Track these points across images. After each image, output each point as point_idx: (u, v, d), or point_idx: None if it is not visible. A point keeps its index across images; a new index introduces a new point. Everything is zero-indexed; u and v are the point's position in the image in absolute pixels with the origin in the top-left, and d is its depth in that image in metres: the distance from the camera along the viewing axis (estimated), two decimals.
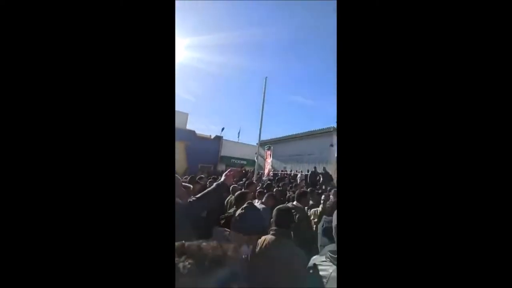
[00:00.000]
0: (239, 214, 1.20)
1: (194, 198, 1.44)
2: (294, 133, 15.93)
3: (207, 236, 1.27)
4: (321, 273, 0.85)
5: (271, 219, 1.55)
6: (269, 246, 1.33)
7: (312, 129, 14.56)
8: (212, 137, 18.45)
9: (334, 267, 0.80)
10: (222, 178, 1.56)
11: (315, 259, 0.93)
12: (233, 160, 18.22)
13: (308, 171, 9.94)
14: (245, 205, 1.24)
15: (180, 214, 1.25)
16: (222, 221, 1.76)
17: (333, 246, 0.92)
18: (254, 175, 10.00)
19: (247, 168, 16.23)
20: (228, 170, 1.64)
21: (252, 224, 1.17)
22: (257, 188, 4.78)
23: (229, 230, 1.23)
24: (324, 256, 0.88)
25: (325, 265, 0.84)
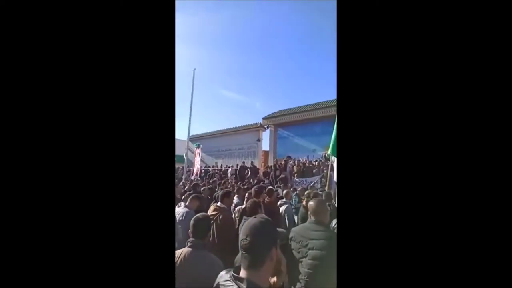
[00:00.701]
0: None
1: None
2: (224, 128, 16.04)
3: None
4: None
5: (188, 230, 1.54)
6: (186, 258, 1.33)
7: (241, 125, 15.03)
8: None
9: (236, 287, 0.73)
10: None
11: (221, 276, 0.85)
12: None
13: (237, 166, 10.23)
14: None
15: None
16: None
17: (239, 255, 0.91)
18: (184, 172, 9.60)
19: (177, 165, 15.38)
20: None
21: None
22: (184, 188, 4.63)
23: None
24: (229, 275, 0.79)
25: (228, 285, 0.77)
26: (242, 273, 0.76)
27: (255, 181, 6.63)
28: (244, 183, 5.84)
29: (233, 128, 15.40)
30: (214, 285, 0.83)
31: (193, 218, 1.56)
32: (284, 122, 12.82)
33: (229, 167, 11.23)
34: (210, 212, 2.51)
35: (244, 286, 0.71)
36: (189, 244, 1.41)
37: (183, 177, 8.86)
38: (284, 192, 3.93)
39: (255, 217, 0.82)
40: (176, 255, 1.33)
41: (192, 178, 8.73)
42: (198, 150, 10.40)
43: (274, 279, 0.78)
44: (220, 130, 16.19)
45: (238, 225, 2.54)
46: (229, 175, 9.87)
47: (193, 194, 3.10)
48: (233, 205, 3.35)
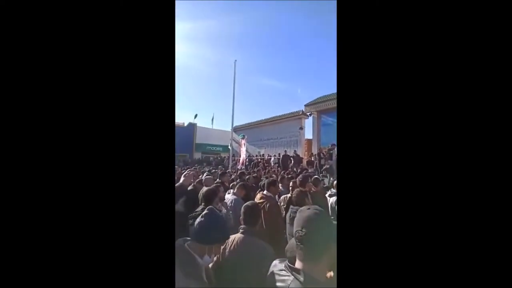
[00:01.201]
0: (198, 222, 1.11)
1: None
2: (266, 118, 16.09)
3: None
4: (278, 284, 0.79)
5: (240, 217, 1.62)
6: (239, 244, 1.41)
7: (283, 113, 14.84)
8: (185, 124, 17.89)
9: (292, 278, 0.74)
10: (181, 179, 1.48)
11: (275, 265, 0.87)
12: (208, 147, 17.98)
13: (279, 155, 10.24)
14: (204, 212, 1.15)
15: None
16: (190, 222, 1.78)
17: (292, 245, 0.94)
18: (230, 162, 10.04)
19: (223, 155, 16.17)
20: (187, 170, 1.63)
21: (213, 234, 1.09)
22: (231, 177, 4.86)
23: (189, 238, 1.14)
24: (283, 264, 0.81)
25: (283, 275, 0.78)
26: (298, 264, 0.76)
27: (299, 170, 6.56)
28: (287, 172, 5.83)
29: (275, 117, 15.34)
30: (269, 273, 0.86)
31: (244, 206, 1.64)
32: (327, 108, 12.18)
33: (271, 156, 11.34)
34: (257, 200, 2.59)
35: (302, 278, 0.72)
36: (241, 230, 1.48)
37: (229, 166, 9.29)
38: (335, 182, 3.79)
39: (308, 208, 0.81)
40: (229, 240, 1.41)
41: (239, 167, 9.09)
42: (243, 141, 10.72)
43: (331, 273, 0.78)
44: (262, 120, 16.32)
45: (285, 214, 2.56)
46: (272, 164, 9.97)
47: (240, 183, 3.24)
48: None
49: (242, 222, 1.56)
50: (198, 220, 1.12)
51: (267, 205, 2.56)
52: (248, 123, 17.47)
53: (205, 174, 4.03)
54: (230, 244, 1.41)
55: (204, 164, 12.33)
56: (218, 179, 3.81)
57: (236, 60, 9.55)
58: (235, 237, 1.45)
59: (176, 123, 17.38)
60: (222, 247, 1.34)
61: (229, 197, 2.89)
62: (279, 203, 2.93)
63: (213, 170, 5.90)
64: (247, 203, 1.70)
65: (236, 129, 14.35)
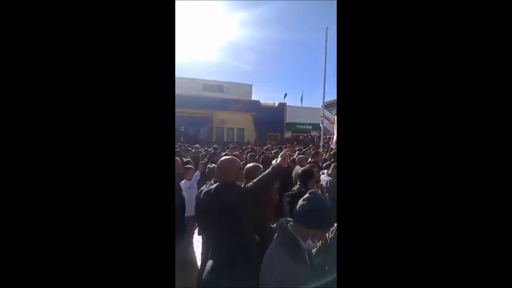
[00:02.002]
0: (301, 205, 1.07)
1: (251, 184, 1.34)
2: None
3: (268, 229, 1.31)
4: None
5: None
6: None
7: None
8: (276, 104, 18.56)
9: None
10: (278, 160, 1.39)
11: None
12: (298, 125, 18.09)
13: None
14: (307, 195, 1.11)
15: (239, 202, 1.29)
16: (288, 200, 1.92)
17: None
18: (321, 140, 9.81)
19: (313, 133, 15.92)
20: (284, 150, 1.64)
21: (318, 219, 1.03)
22: (324, 156, 4.79)
23: (291, 220, 1.11)
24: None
25: None
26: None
27: None
28: None
29: None
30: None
31: None
32: None
33: None
34: None
35: None
36: None
37: (321, 144, 9.09)
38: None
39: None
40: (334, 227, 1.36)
41: (332, 146, 8.76)
42: (336, 117, 10.13)
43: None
44: None
45: None
46: None
47: (334, 163, 3.18)
48: None
49: None
50: (300, 203, 1.09)
51: None
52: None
53: (296, 154, 4.15)
54: (335, 231, 1.34)
55: (295, 143, 12.58)
56: (311, 159, 3.86)
57: (327, 28, 8.78)
58: None
59: (266, 104, 18.32)
60: (326, 233, 1.28)
61: (323, 177, 2.91)
62: None
63: (303, 149, 5.94)
64: None
65: (327, 106, 13.65)
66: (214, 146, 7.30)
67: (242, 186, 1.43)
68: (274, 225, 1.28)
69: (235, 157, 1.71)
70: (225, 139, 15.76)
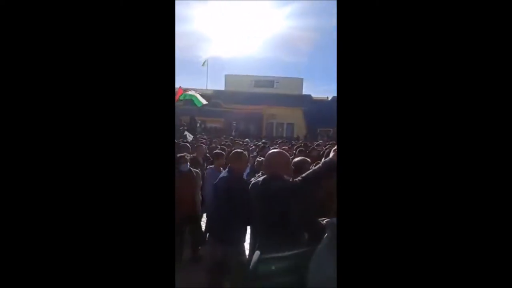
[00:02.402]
0: None
1: (299, 179, 1.29)
2: None
3: (317, 226, 1.25)
4: None
5: None
6: None
7: None
8: (329, 98, 17.69)
9: None
10: (331, 155, 1.27)
11: None
12: None
13: None
14: None
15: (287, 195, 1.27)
16: None
17: None
18: None
19: None
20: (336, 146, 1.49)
21: None
22: None
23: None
24: None
25: None
26: None
27: None
28: None
29: None
30: None
31: None
32: None
33: None
34: None
35: None
36: None
37: None
38: None
39: None
40: None
41: None
42: None
43: None
44: None
45: None
46: None
47: None
48: None
49: None
50: None
51: None
52: None
53: None
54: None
55: None
56: None
57: None
58: None
59: (319, 99, 17.60)
60: None
61: None
62: None
63: None
64: None
65: None
66: (263, 140, 7.42)
67: (291, 180, 1.41)
68: (324, 221, 1.23)
69: (283, 151, 1.69)
70: (274, 134, 15.83)
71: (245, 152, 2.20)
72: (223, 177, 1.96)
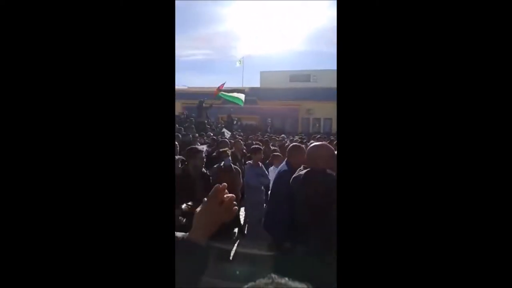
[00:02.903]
0: None
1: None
2: None
3: None
4: None
5: None
6: None
7: None
8: None
9: None
10: None
11: None
12: None
13: None
14: None
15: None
16: None
17: None
18: None
19: None
20: None
21: None
22: None
23: None
24: None
25: None
26: None
27: None
28: None
29: None
30: None
31: None
32: None
33: None
34: None
35: None
36: None
37: None
38: None
39: None
40: None
41: None
42: None
43: None
44: None
45: None
46: None
47: None
48: None
49: None
50: None
51: None
52: None
53: None
54: None
55: None
56: None
57: None
58: None
59: None
60: None
61: None
62: None
63: None
64: None
65: None
66: (300, 135, 7.30)
67: (334, 174, 1.37)
68: None
69: (327, 144, 1.65)
70: (310, 130, 15.44)
71: (303, 146, 2.18)
72: (283, 172, 1.81)
